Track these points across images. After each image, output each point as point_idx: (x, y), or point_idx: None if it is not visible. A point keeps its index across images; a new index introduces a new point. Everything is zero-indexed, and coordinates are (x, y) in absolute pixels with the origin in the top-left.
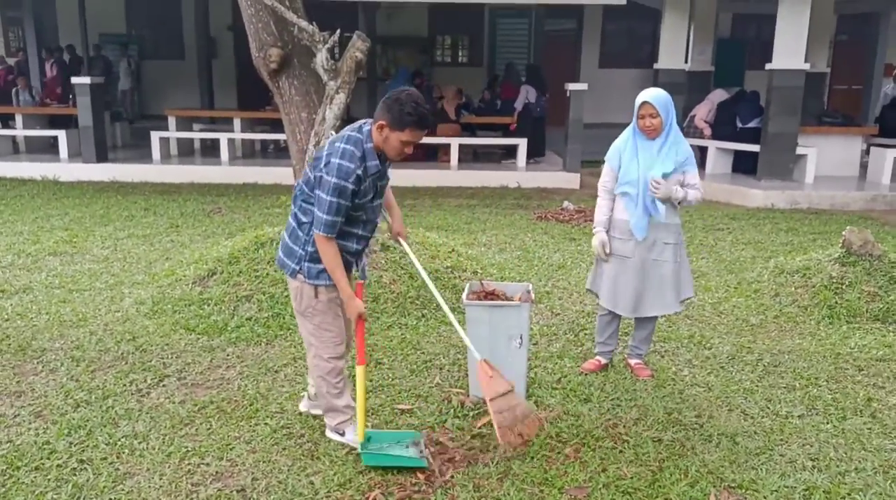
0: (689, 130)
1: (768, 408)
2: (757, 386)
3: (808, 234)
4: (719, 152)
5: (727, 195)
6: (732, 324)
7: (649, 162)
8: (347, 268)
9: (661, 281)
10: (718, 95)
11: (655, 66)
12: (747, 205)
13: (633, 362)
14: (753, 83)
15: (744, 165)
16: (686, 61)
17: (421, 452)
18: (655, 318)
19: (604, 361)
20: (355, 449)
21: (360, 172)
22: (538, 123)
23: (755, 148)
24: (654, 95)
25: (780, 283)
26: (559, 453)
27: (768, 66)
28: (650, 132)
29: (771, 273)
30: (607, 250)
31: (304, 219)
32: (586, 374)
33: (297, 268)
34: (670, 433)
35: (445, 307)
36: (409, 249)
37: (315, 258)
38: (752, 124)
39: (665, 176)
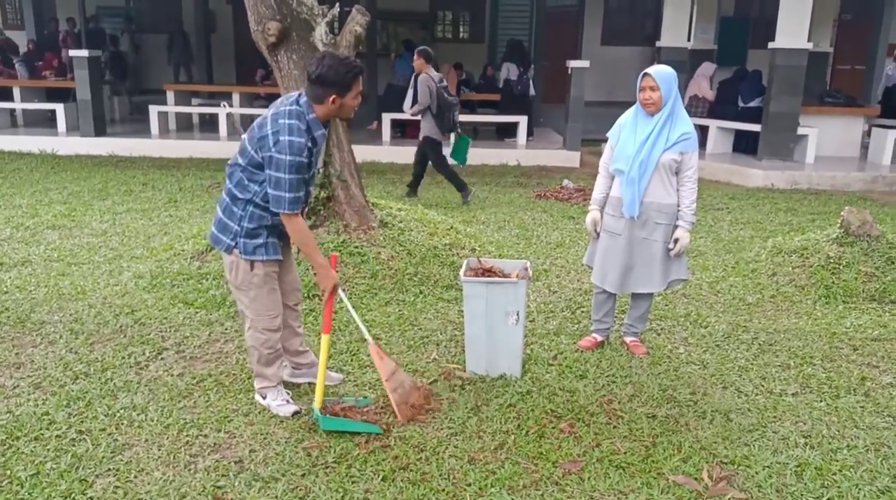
0: (690, 109)
1: (762, 386)
2: (752, 364)
3: (807, 214)
4: (720, 131)
5: (727, 175)
6: (729, 303)
7: (646, 139)
8: (282, 239)
9: (650, 260)
10: (707, 69)
11: (658, 44)
12: (747, 185)
13: (628, 339)
14: (756, 62)
15: (744, 145)
16: (689, 39)
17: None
18: (651, 296)
19: (600, 338)
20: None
21: (309, 144)
22: (522, 101)
23: (756, 127)
24: (656, 68)
25: (778, 263)
26: (554, 427)
27: (771, 45)
28: (649, 106)
29: (769, 253)
30: (598, 229)
31: (239, 195)
32: (582, 351)
33: (233, 244)
34: (664, 410)
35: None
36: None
37: (251, 234)
38: (753, 104)
39: (662, 152)
